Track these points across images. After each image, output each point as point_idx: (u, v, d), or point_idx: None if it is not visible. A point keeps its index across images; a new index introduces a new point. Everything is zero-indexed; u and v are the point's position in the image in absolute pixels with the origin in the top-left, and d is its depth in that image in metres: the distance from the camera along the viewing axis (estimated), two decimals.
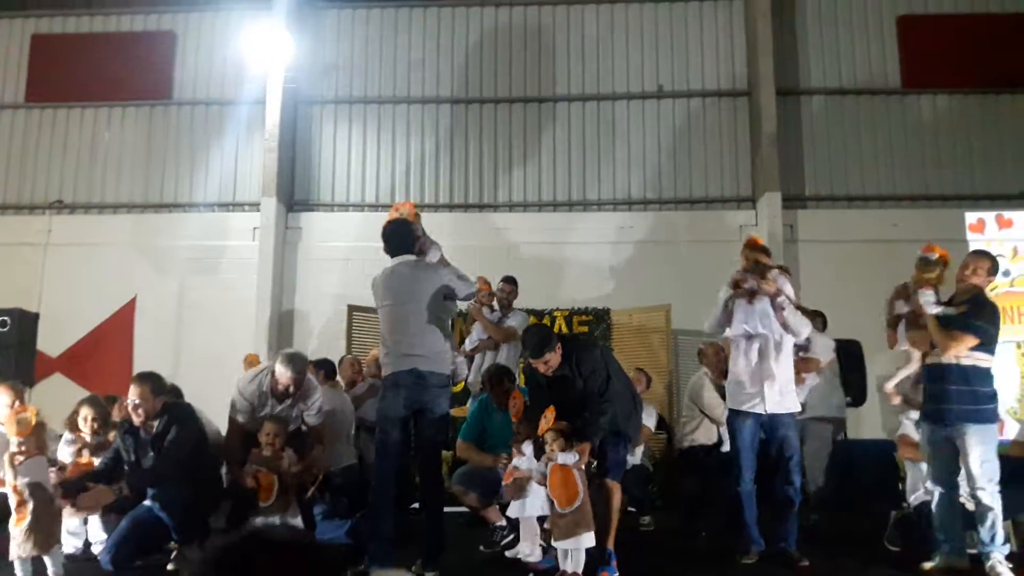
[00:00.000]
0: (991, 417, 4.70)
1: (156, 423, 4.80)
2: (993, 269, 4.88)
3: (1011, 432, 8.43)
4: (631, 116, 10.53)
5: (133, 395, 4.73)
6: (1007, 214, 9.65)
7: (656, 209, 10.34)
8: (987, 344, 4.68)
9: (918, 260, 4.99)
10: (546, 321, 8.84)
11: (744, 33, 10.50)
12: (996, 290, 9.49)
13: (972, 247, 9.51)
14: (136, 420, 4.76)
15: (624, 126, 10.52)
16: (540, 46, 10.67)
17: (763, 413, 5.06)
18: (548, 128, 10.55)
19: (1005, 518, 6.99)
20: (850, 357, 7.42)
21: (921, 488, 5.32)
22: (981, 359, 4.70)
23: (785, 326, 5.01)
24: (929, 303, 4.76)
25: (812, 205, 10.19)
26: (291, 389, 5.09)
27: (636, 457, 6.24)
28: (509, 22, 10.75)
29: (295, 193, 10.54)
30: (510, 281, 7.02)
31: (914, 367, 5.02)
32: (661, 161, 10.41)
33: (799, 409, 5.36)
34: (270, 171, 10.16)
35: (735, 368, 5.17)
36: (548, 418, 4.46)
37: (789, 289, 5.12)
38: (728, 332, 5.21)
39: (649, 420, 6.60)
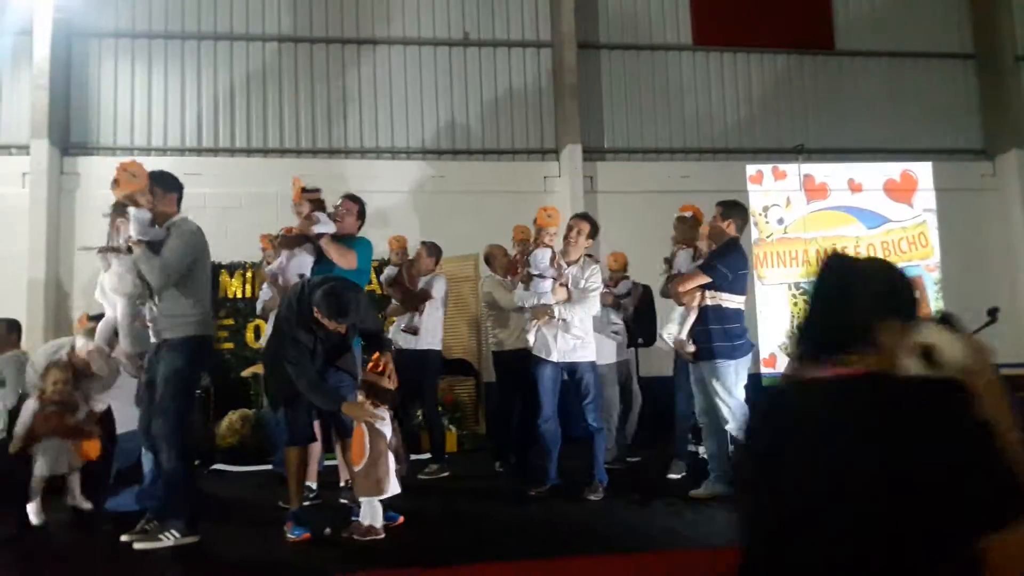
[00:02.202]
0: (731, 353, 5.13)
1: None
2: (727, 215, 5.31)
3: (783, 366, 9.29)
4: (438, 63, 10.43)
5: None
6: (782, 167, 10.49)
7: (464, 159, 10.36)
8: (723, 284, 5.14)
9: (675, 220, 5.53)
10: None
11: None
12: (771, 237, 10.35)
13: (752, 197, 10.32)
14: None
15: (431, 73, 10.40)
16: None
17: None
18: (352, 72, 10.23)
19: None
20: (643, 302, 7.81)
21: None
22: (726, 299, 5.16)
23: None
24: (681, 262, 5.44)
25: (610, 157, 10.59)
26: None
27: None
28: None
29: (71, 135, 9.60)
30: (287, 244, 6.47)
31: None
32: (468, 110, 10.41)
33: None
34: (40, 111, 9.17)
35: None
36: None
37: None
38: None
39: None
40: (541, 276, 5.45)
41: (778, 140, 10.87)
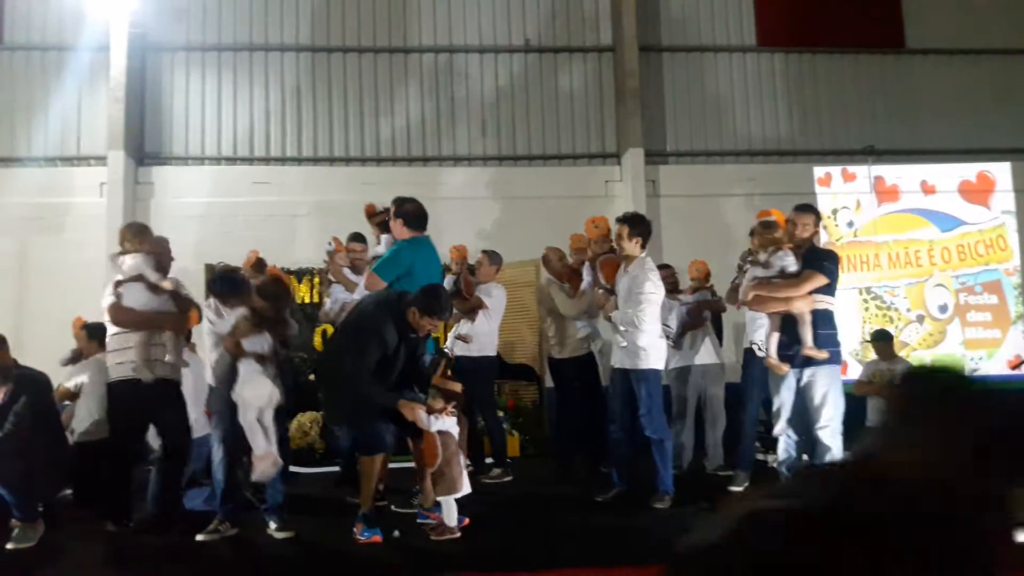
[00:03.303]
0: (837, 359, 4.94)
1: (3, 391, 4.54)
2: (817, 220, 5.18)
3: (854, 373, 9.05)
4: (499, 70, 10.48)
5: None
6: (851, 168, 10.27)
7: (525, 164, 10.38)
8: (832, 286, 4.95)
9: (758, 226, 5.25)
10: None
11: None
12: (841, 240, 10.12)
13: (820, 200, 10.12)
14: None
15: (492, 80, 10.46)
16: None
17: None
18: (414, 80, 10.35)
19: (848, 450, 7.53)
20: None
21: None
22: (828, 302, 4.96)
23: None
24: (791, 263, 4.96)
25: (673, 160, 10.49)
26: None
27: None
28: None
29: (145, 146, 9.92)
30: (359, 239, 6.61)
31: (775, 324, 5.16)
32: (529, 116, 10.43)
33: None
34: (117, 123, 9.51)
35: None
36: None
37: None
38: None
39: None
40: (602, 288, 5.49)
41: (847, 141, 10.61)
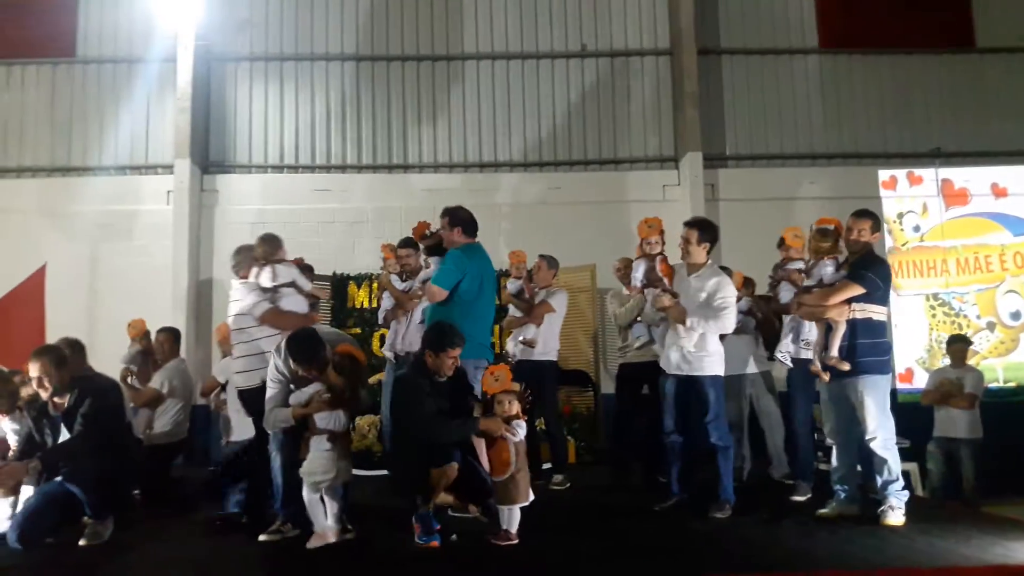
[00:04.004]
0: (883, 367, 4.88)
1: (68, 398, 4.66)
2: (875, 226, 5.05)
3: (920, 382, 8.82)
4: (555, 75, 10.48)
5: (34, 371, 4.59)
6: (917, 171, 10.02)
7: (581, 169, 10.36)
8: (875, 295, 4.86)
9: (814, 232, 5.21)
10: None
11: None
12: (907, 245, 9.87)
13: (885, 204, 9.89)
14: (43, 395, 4.64)
15: (549, 85, 10.46)
16: (462, 3, 10.49)
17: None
18: (471, 87, 10.42)
19: (912, 461, 7.34)
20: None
21: None
22: (874, 311, 4.88)
23: None
24: (828, 273, 5.00)
25: (732, 164, 10.35)
26: None
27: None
28: None
29: (210, 154, 10.19)
30: (409, 244, 6.54)
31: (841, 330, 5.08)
32: (585, 121, 10.41)
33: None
34: (183, 132, 9.79)
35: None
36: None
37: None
38: None
39: None
40: (650, 286, 5.38)
41: (913, 144, 10.33)
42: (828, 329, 4.95)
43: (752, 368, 6.41)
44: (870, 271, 4.86)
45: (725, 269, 5.88)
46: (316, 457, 4.43)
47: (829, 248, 5.10)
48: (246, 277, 5.34)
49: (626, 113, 10.42)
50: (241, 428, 5.68)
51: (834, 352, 4.87)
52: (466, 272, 5.23)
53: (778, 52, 10.52)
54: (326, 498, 4.48)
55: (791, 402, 5.93)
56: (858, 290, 4.82)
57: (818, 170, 10.25)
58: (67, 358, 4.77)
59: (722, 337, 5.61)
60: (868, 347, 4.82)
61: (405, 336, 6.19)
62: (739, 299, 6.48)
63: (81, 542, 4.59)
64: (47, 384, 4.60)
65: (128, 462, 5.02)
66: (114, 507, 4.79)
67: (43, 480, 4.72)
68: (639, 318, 6.28)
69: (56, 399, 4.69)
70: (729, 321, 5.20)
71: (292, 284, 5.22)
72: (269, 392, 4.72)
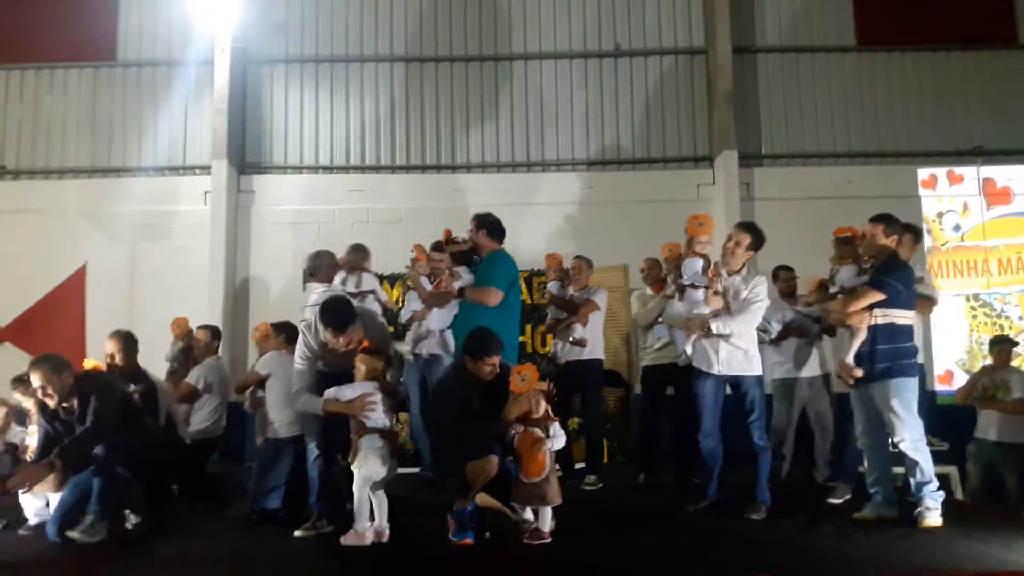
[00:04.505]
0: (909, 370, 4.85)
1: (74, 401, 4.73)
2: (891, 230, 5.00)
3: (960, 384, 8.62)
4: (588, 75, 10.45)
5: (35, 381, 4.68)
6: (958, 170, 9.86)
7: (614, 169, 10.32)
8: (897, 299, 4.84)
9: (833, 242, 5.25)
10: None
11: None
12: (947, 245, 9.70)
13: (925, 203, 9.73)
14: (50, 403, 4.72)
15: (582, 85, 10.44)
16: (495, 3, 10.51)
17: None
18: (504, 88, 10.43)
19: (951, 463, 7.21)
20: None
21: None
22: (897, 316, 4.86)
23: None
24: (847, 279, 5.01)
25: (768, 163, 10.24)
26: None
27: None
28: None
29: (247, 155, 10.32)
30: (440, 248, 6.47)
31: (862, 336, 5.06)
32: (619, 120, 10.37)
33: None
34: (220, 133, 9.93)
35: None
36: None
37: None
38: None
39: None
40: (693, 286, 5.32)
41: (953, 142, 10.14)
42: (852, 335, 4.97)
43: (811, 371, 6.32)
44: (891, 276, 4.85)
45: (788, 268, 5.99)
46: (370, 455, 4.45)
47: (848, 254, 5.15)
48: (326, 281, 5.54)
49: (660, 112, 10.36)
50: (295, 423, 5.73)
51: (849, 359, 4.90)
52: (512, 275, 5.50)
53: (814, 50, 10.39)
54: (374, 497, 4.49)
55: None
56: (878, 296, 4.81)
57: (855, 169, 10.11)
58: (67, 363, 4.83)
59: (781, 340, 5.66)
60: (891, 352, 4.83)
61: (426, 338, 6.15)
62: (811, 303, 6.38)
63: (73, 534, 4.59)
64: (51, 392, 4.67)
65: (156, 453, 5.10)
66: (149, 497, 4.90)
67: (68, 476, 4.75)
68: (660, 319, 6.25)
69: (64, 404, 4.75)
70: (752, 319, 5.19)
71: (373, 292, 5.66)
72: (297, 367, 4.81)
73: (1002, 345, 7.48)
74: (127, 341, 5.53)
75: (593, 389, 6.66)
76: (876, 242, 4.96)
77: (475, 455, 4.40)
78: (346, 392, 4.55)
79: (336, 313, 4.63)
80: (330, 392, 4.60)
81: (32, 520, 5.03)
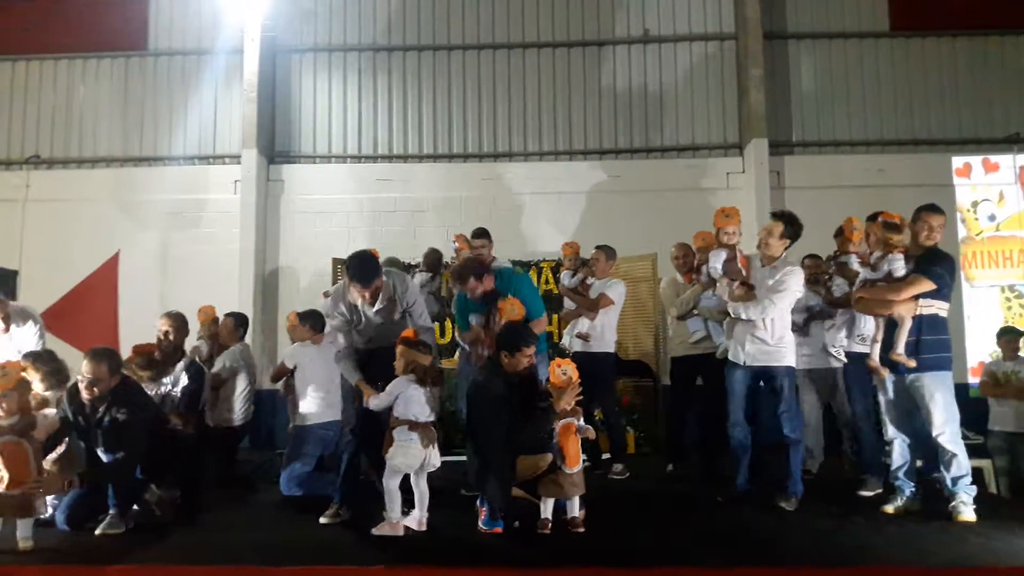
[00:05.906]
0: (946, 364, 4.79)
1: (104, 405, 4.66)
2: (942, 222, 4.93)
3: None
4: (617, 62, 10.38)
5: (89, 372, 4.59)
6: (993, 158, 9.68)
7: (643, 157, 10.25)
8: (943, 291, 4.78)
9: (881, 226, 5.03)
10: (532, 273, 8.79)
11: None
12: (981, 235, 9.54)
13: (959, 192, 9.57)
14: (87, 396, 4.63)
15: (610, 72, 10.37)
16: None
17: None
18: (532, 76, 10.38)
19: (984, 457, 7.09)
20: None
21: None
22: (940, 307, 4.80)
23: None
24: (899, 268, 4.87)
25: (799, 151, 10.11)
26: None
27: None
28: None
29: (276, 145, 10.38)
30: (483, 235, 6.58)
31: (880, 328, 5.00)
32: (647, 108, 10.29)
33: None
34: (250, 122, 9.99)
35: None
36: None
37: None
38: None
39: None
40: (720, 278, 5.30)
41: (989, 129, 9.95)
42: (889, 324, 4.88)
43: (836, 363, 6.24)
44: (939, 266, 4.79)
45: (815, 256, 6.03)
46: (400, 447, 4.46)
47: (898, 242, 4.96)
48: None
49: (689, 99, 10.26)
50: (323, 412, 5.78)
51: (900, 348, 4.79)
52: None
53: (847, 36, 10.23)
54: (416, 487, 4.51)
55: (849, 397, 5.86)
56: (929, 286, 4.75)
57: (888, 157, 9.95)
58: (121, 365, 4.83)
59: (805, 328, 5.61)
60: (934, 343, 4.76)
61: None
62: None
63: (97, 531, 4.55)
64: (98, 390, 4.60)
65: (186, 455, 5.19)
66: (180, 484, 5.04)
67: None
68: (695, 311, 6.20)
69: (97, 403, 4.67)
70: (778, 305, 5.09)
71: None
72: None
73: (1009, 336, 7.31)
74: (181, 321, 6.02)
75: (602, 382, 6.55)
76: (935, 237, 4.88)
77: (529, 450, 4.50)
78: (384, 397, 4.56)
79: (360, 267, 4.69)
80: (376, 400, 4.58)
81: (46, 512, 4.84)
